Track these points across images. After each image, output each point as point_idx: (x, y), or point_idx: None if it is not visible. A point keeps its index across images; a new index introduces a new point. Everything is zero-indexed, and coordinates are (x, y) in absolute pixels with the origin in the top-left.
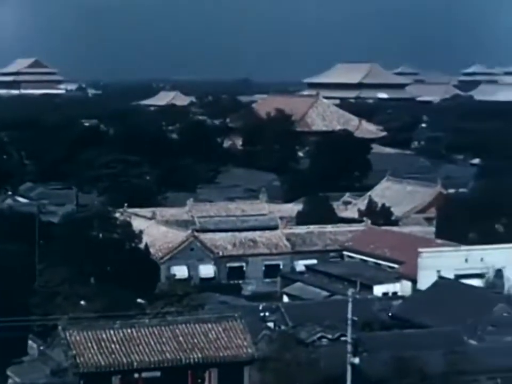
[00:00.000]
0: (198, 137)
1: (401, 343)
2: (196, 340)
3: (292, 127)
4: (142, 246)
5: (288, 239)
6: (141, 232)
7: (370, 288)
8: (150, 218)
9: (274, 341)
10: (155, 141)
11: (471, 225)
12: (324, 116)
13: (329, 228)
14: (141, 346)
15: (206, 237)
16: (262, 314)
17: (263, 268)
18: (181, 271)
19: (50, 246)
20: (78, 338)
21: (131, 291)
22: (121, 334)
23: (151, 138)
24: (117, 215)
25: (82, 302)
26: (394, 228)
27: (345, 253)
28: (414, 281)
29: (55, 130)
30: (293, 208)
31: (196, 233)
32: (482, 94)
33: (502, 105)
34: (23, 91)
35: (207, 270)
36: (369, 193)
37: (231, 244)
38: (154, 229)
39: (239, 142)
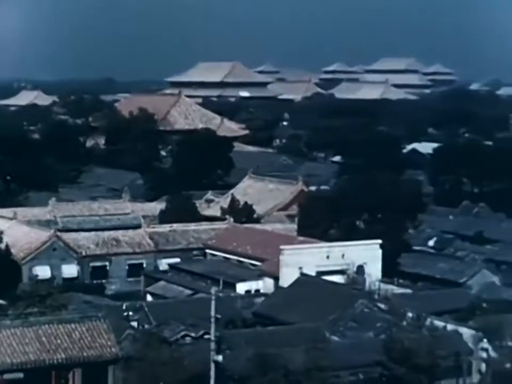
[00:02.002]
0: (60, 137)
1: (264, 340)
2: (59, 341)
3: (155, 126)
4: (2, 246)
5: (151, 238)
6: (1, 232)
7: (233, 286)
8: (11, 219)
9: (138, 340)
10: (16, 141)
11: (333, 222)
12: (186, 114)
13: (192, 226)
14: (2, 348)
15: (68, 237)
16: (125, 313)
17: (127, 267)
18: (43, 272)
19: None
20: None
21: None
22: None
23: (12, 138)
24: None
25: None
26: (257, 226)
27: (208, 251)
28: (277, 279)
29: None
30: (156, 207)
31: (58, 233)
32: (343, 92)
33: (362, 103)
34: None
35: (70, 270)
36: (231, 191)
37: (94, 243)
38: (16, 229)
39: (102, 142)
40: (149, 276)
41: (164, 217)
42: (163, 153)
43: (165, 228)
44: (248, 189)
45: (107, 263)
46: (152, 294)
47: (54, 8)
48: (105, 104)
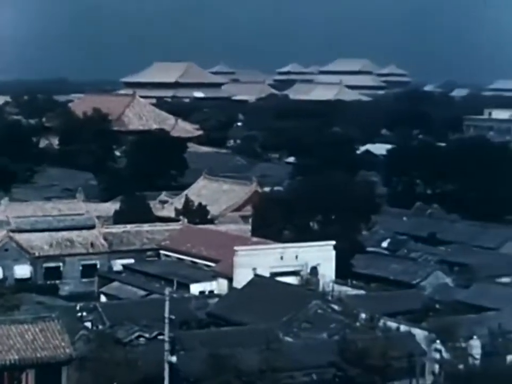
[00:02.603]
0: (13, 137)
1: (218, 341)
2: (12, 341)
3: (109, 126)
4: None
5: (105, 239)
6: None
7: (187, 287)
8: None
9: (92, 341)
10: None
11: (287, 223)
12: (140, 115)
13: (146, 227)
14: None
15: (21, 237)
16: (79, 314)
17: (80, 268)
18: None
19: None
20: None
21: None
22: None
23: None
24: None
25: None
26: (211, 226)
27: (162, 252)
28: (231, 280)
29: None
30: (110, 207)
31: (11, 234)
32: (297, 93)
33: (316, 104)
34: None
35: (22, 271)
36: (185, 192)
37: (47, 244)
38: None
39: (55, 142)
40: (103, 276)
41: (118, 218)
42: (117, 153)
43: (119, 228)
44: (202, 190)
45: (61, 264)
46: (106, 295)
47: (4, 7)
48: (58, 104)
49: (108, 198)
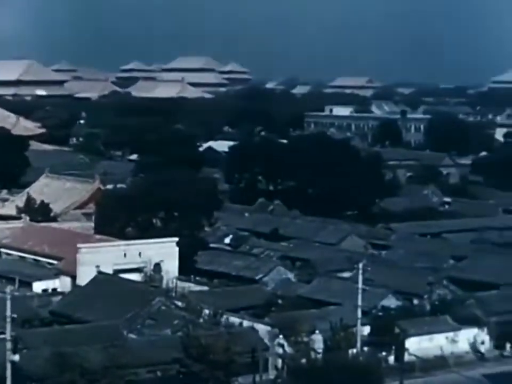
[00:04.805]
0: None
1: (61, 339)
2: None
3: None
4: None
5: None
6: None
7: (29, 285)
8: None
9: None
10: None
11: (130, 220)
12: None
13: None
14: None
15: None
16: None
17: None
18: None
19: None
20: None
21: None
22: None
23: None
24: None
25: None
26: (54, 224)
27: (2, 250)
28: (74, 277)
29: None
30: None
31: None
32: (140, 90)
33: (159, 101)
34: None
35: None
36: (27, 190)
37: None
38: None
39: None
40: None
41: None
42: None
43: None
44: (45, 188)
45: None
46: None
47: None
48: None
49: None
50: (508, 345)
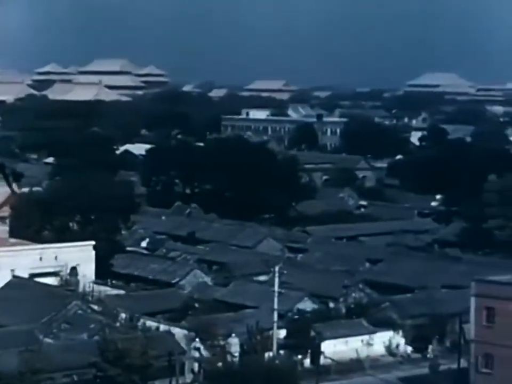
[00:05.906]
0: None
1: None
2: None
3: None
4: None
5: None
6: None
7: None
8: None
9: None
10: None
11: (46, 223)
12: None
13: None
14: None
15: None
16: None
17: None
18: None
19: None
20: None
21: None
22: None
23: None
24: None
25: None
26: None
27: None
28: None
29: None
30: None
31: None
32: (56, 93)
33: (76, 104)
34: None
35: None
36: None
37: None
38: None
39: None
40: None
41: None
42: None
43: None
44: None
45: None
46: None
47: None
48: None
49: None
50: (426, 348)
